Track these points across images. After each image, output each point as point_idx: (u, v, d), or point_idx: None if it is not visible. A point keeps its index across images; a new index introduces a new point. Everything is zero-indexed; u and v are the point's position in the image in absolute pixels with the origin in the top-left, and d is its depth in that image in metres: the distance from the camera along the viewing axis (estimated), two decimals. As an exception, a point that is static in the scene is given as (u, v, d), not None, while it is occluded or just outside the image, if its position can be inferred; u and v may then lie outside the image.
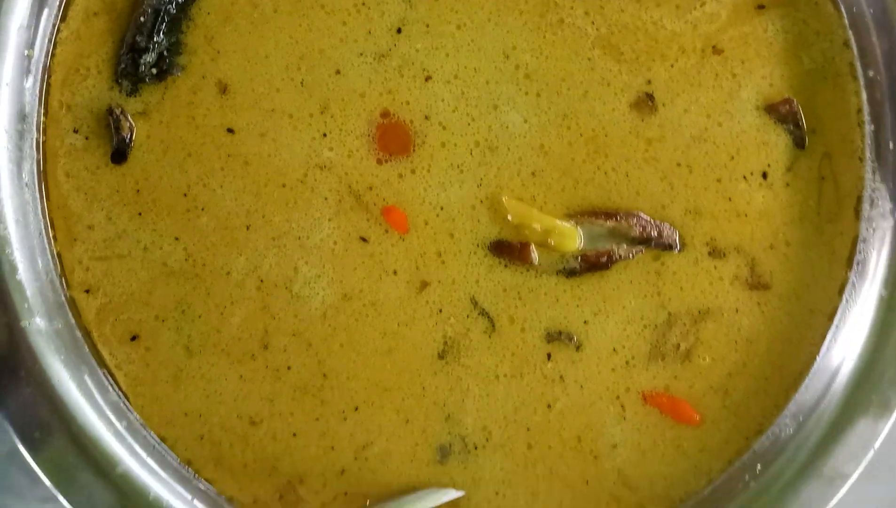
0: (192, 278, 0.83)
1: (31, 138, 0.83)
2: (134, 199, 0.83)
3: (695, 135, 0.84)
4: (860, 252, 0.83)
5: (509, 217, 0.82)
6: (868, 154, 0.83)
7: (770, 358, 0.84)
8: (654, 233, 0.83)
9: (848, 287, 0.83)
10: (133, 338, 0.83)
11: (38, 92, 0.83)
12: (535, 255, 0.83)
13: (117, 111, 0.82)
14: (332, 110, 0.83)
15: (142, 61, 0.82)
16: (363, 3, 0.83)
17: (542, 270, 0.83)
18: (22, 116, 0.82)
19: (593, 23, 0.85)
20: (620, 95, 0.84)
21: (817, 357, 0.83)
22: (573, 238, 0.83)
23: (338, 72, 0.83)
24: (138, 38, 0.82)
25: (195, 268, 0.83)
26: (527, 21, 0.84)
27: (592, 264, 0.83)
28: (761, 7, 0.84)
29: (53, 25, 0.83)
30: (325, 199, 0.83)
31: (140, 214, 0.83)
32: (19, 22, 0.82)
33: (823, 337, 0.83)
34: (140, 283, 0.83)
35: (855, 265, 0.83)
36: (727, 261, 0.84)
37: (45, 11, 0.83)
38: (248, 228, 0.83)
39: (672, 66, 0.84)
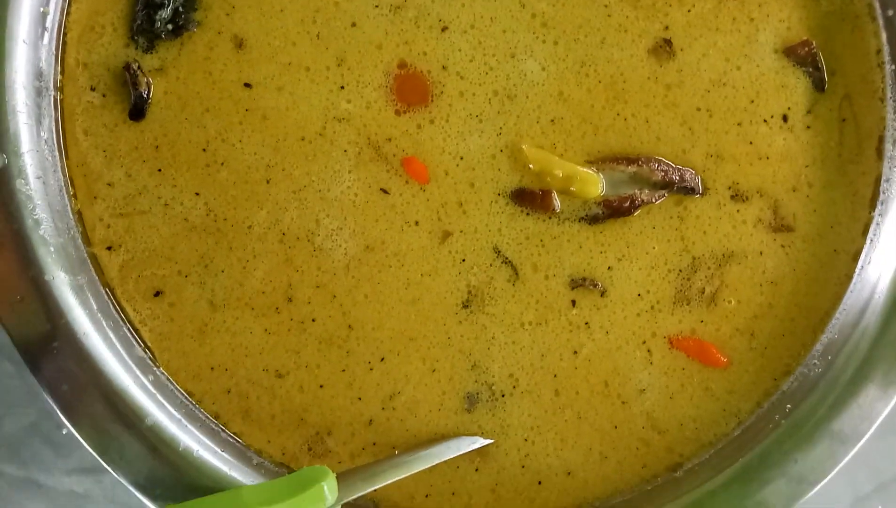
0: (213, 232, 0.83)
1: (49, 96, 0.82)
2: (153, 155, 0.83)
3: (714, 79, 0.83)
4: (883, 192, 0.83)
5: (530, 165, 0.82)
6: (889, 94, 0.83)
7: (796, 299, 0.83)
8: (676, 177, 0.82)
9: (872, 227, 0.83)
10: (156, 294, 0.83)
11: (54, 49, 0.82)
12: (556, 202, 0.83)
13: (134, 66, 0.82)
14: (348, 63, 0.83)
15: (157, 17, 0.82)
16: (377, -44, 0.83)
17: (564, 217, 0.83)
18: (39, 74, 0.81)
19: (608, -31, 0.84)
20: (638, 41, 0.84)
21: (843, 297, 0.83)
22: (595, 184, 0.82)
23: (353, 24, 0.83)
24: None
25: (216, 223, 0.83)
26: None
27: (615, 210, 0.83)
28: None
29: None
30: (345, 151, 0.83)
31: (160, 170, 0.83)
32: None
33: (849, 277, 0.83)
34: (162, 239, 0.83)
35: (878, 205, 0.83)
36: (750, 204, 0.83)
37: None
38: (268, 182, 0.83)
39: (689, 11, 0.84)
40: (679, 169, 0.82)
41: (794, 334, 0.83)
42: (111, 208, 0.83)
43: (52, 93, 0.83)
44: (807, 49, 0.83)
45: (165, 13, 0.82)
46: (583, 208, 0.83)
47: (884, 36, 0.83)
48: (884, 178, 0.83)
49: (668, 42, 0.83)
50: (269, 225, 0.83)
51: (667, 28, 0.84)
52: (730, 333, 0.84)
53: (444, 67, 0.83)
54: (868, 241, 0.83)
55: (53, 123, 0.83)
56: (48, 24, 0.82)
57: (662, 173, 0.82)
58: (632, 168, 0.83)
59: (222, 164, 0.83)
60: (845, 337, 0.82)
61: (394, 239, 0.83)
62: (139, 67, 0.83)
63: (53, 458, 0.91)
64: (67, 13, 0.83)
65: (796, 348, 0.84)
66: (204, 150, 0.83)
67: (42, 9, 0.82)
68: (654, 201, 0.82)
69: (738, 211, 0.83)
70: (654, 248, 0.83)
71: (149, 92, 0.83)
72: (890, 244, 0.82)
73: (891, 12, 0.83)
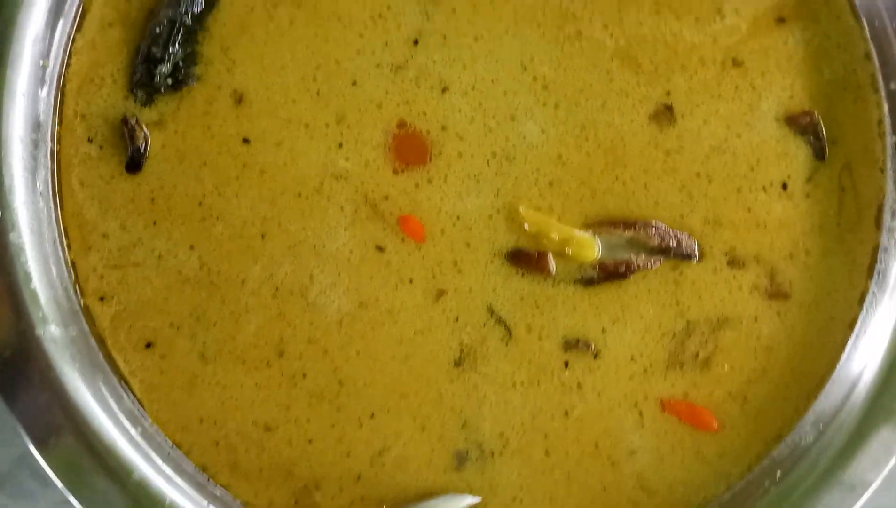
0: (206, 285, 0.83)
1: (46, 147, 0.82)
2: (149, 208, 0.83)
3: (714, 146, 0.83)
4: (881, 262, 0.83)
5: (526, 226, 0.82)
6: (889, 165, 0.83)
7: (790, 366, 0.83)
8: (673, 243, 0.82)
9: (868, 296, 0.83)
10: (148, 345, 0.83)
11: (52, 101, 0.83)
12: (552, 264, 0.83)
13: (132, 121, 0.82)
14: (348, 120, 0.83)
15: (157, 72, 0.82)
16: (380, 15, 0.83)
17: (559, 279, 0.83)
18: (37, 126, 0.82)
19: (612, 35, 0.84)
20: (639, 106, 0.84)
21: (837, 365, 0.83)
22: (591, 248, 0.82)
23: (354, 83, 0.83)
24: (154, 49, 0.82)
25: (210, 276, 0.83)
26: (545, 32, 0.84)
27: (610, 274, 0.83)
28: (782, 20, 0.84)
29: (69, 36, 0.83)
30: (342, 208, 0.83)
31: (155, 222, 0.83)
32: (35, 33, 0.81)
33: (844, 345, 0.83)
34: (155, 291, 0.83)
35: (876, 275, 0.83)
36: (746, 270, 0.83)
37: (61, 22, 0.83)
38: (263, 236, 0.83)
39: (692, 77, 0.84)
40: (676, 234, 0.82)
41: (787, 400, 0.83)
42: (105, 260, 0.84)
43: (49, 144, 0.83)
44: (808, 119, 0.83)
45: (166, 67, 0.82)
46: (578, 271, 0.83)
47: (885, 107, 0.83)
48: (882, 247, 0.83)
49: (670, 108, 0.83)
50: (263, 279, 0.83)
51: (668, 94, 0.84)
52: (722, 397, 0.84)
53: (443, 128, 0.83)
54: (864, 310, 0.83)
55: (49, 173, 0.83)
56: (47, 76, 0.82)
57: (659, 239, 0.82)
58: (629, 232, 0.83)
59: (218, 218, 0.83)
60: (837, 407, 0.82)
61: (388, 296, 0.83)
62: (137, 121, 0.83)
63: (41, 491, 0.92)
64: (67, 65, 0.83)
65: (789, 413, 0.83)
66: (200, 203, 0.83)
67: (42, 61, 0.82)
68: (650, 266, 0.82)
69: (734, 277, 0.83)
70: (648, 311, 0.83)
71: (146, 146, 0.83)
72: (886, 314, 0.82)
73: (893, 85, 0.82)
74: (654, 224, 0.82)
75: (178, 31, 0.82)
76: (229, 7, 0.83)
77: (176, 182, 0.83)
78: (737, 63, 0.84)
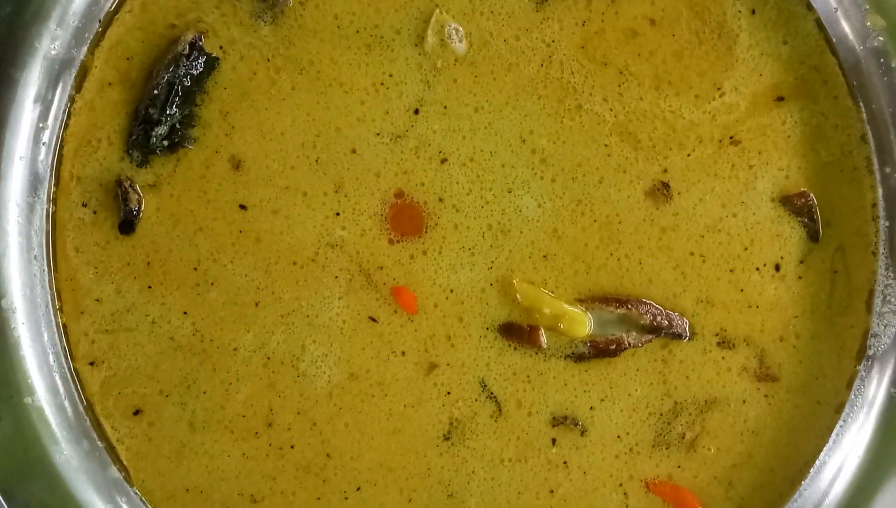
0: (199, 353, 0.82)
1: (42, 210, 0.82)
2: (144, 271, 0.83)
3: (709, 225, 0.83)
4: (870, 347, 0.83)
5: (519, 299, 0.82)
6: (882, 249, 0.83)
7: (776, 450, 0.84)
8: (665, 322, 0.82)
9: (857, 381, 0.83)
10: (136, 412, 0.83)
11: (50, 164, 0.82)
12: (544, 339, 0.83)
13: (126, 184, 0.82)
14: (346, 189, 0.82)
15: (153, 133, 0.81)
16: (382, 84, 0.82)
17: (550, 353, 0.83)
18: (34, 189, 0.81)
19: (611, 109, 0.84)
20: (636, 182, 0.84)
21: (823, 450, 0.83)
22: (583, 324, 0.82)
23: (354, 151, 0.83)
24: (151, 110, 0.81)
25: (203, 343, 0.83)
26: (545, 105, 0.84)
27: (601, 351, 0.83)
28: (780, 99, 0.84)
29: (69, 98, 0.82)
30: (336, 277, 0.83)
31: (150, 287, 0.82)
32: (34, 94, 0.80)
33: (830, 430, 0.83)
34: (146, 357, 0.82)
35: (865, 359, 0.83)
36: (736, 352, 0.83)
37: (61, 84, 0.82)
38: (257, 304, 0.83)
39: (689, 155, 0.84)
40: (668, 314, 0.83)
41: (773, 485, 0.84)
42: (97, 324, 0.83)
43: (45, 206, 0.82)
44: (804, 200, 0.83)
45: (162, 129, 0.81)
46: (569, 346, 0.84)
47: (880, 191, 0.83)
48: (871, 332, 0.83)
49: (666, 185, 0.83)
50: (255, 348, 0.83)
51: (665, 171, 0.84)
52: (707, 480, 0.84)
53: (440, 200, 0.83)
54: (852, 395, 0.83)
55: (44, 236, 0.82)
56: (45, 138, 0.82)
57: (651, 318, 0.82)
58: (621, 310, 0.83)
59: (212, 284, 0.83)
60: (822, 493, 0.82)
61: (379, 368, 0.83)
62: (131, 183, 0.82)
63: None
64: (66, 126, 0.82)
65: (773, 498, 0.84)
66: (195, 269, 0.83)
67: (41, 124, 0.81)
68: (640, 344, 0.83)
69: (723, 358, 0.84)
70: (636, 390, 0.83)
71: (139, 208, 0.82)
72: (874, 399, 0.82)
73: (888, 169, 0.83)
74: (646, 303, 0.82)
75: (177, 93, 0.81)
76: (230, 71, 0.82)
77: (171, 246, 0.82)
78: (734, 141, 0.84)
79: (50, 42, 0.79)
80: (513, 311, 0.83)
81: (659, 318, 0.82)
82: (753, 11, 0.83)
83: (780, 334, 0.84)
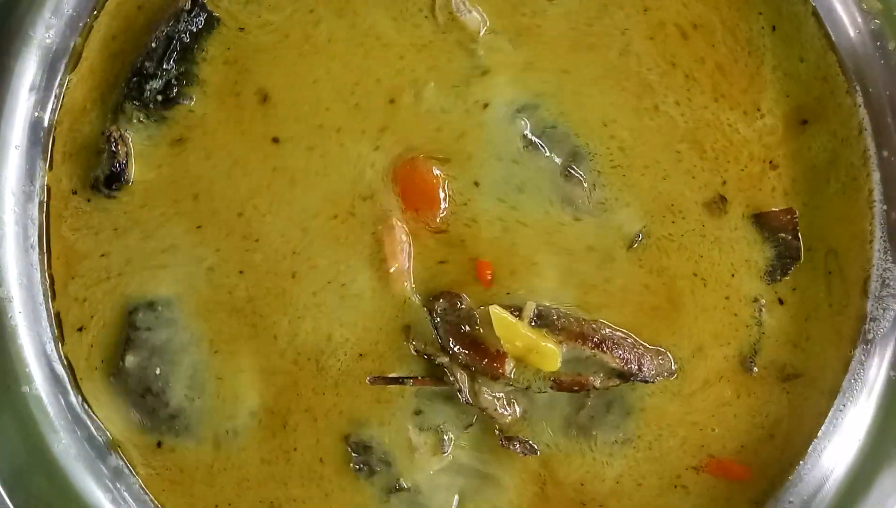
0: (249, 326, 0.81)
1: (36, 199, 0.81)
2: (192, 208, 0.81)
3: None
4: (870, 331, 0.83)
5: (494, 328, 0.78)
6: (878, 233, 0.83)
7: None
8: (633, 368, 0.80)
9: (856, 365, 0.83)
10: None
11: (44, 150, 0.81)
12: (510, 367, 0.80)
13: (116, 134, 0.79)
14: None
15: (147, 87, 0.79)
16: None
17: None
18: (30, 178, 0.80)
19: (682, 114, 0.82)
20: (699, 192, 0.82)
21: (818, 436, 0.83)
22: (554, 360, 0.79)
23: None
24: (147, 64, 0.79)
25: (254, 317, 0.81)
26: (627, 99, 0.81)
27: (563, 389, 0.81)
28: (805, 123, 0.83)
29: (65, 84, 0.81)
30: (373, 233, 0.81)
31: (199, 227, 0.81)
32: (29, 83, 0.79)
33: (825, 414, 0.83)
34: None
35: (864, 344, 0.83)
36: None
37: (57, 73, 0.81)
38: (293, 275, 0.80)
39: (742, 170, 0.82)
40: (640, 359, 0.80)
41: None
42: (94, 277, 0.81)
43: (40, 195, 0.81)
44: (789, 216, 0.83)
45: (157, 83, 0.79)
46: (534, 378, 0.81)
47: (877, 176, 0.83)
48: (871, 316, 0.83)
49: (724, 198, 0.82)
50: (290, 339, 0.81)
51: (724, 183, 0.83)
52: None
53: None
54: (851, 378, 0.83)
55: (37, 229, 0.81)
56: (41, 126, 0.81)
57: (622, 363, 0.80)
58: (594, 350, 0.80)
59: (257, 240, 0.80)
60: (823, 476, 0.83)
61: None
62: (121, 135, 0.80)
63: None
64: (61, 106, 0.81)
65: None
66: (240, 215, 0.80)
67: (36, 113, 0.80)
68: (606, 388, 0.81)
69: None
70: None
71: (126, 162, 0.80)
72: (874, 383, 0.83)
73: (885, 153, 0.83)
74: (626, 343, 0.81)
75: (174, 48, 0.79)
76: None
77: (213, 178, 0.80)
78: (773, 166, 0.83)
79: (45, 31, 0.78)
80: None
81: (629, 365, 0.80)
82: (774, 28, 0.83)
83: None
